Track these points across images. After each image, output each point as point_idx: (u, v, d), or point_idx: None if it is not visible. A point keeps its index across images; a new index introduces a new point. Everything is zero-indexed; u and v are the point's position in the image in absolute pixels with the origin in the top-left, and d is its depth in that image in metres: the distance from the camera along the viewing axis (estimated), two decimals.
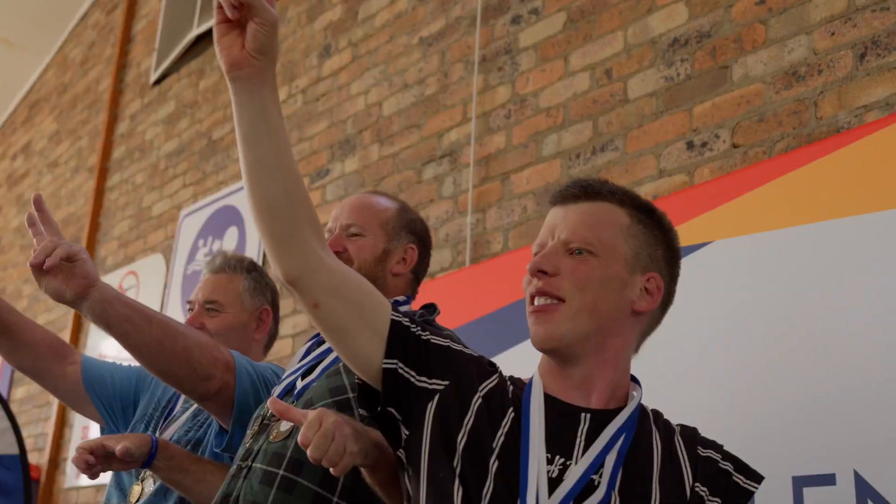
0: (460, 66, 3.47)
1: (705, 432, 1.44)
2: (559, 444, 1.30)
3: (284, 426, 1.72)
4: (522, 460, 1.28)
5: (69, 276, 1.74)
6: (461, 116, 3.39)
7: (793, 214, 2.16)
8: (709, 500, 1.32)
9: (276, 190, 1.29)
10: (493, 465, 1.28)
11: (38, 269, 1.72)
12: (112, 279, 5.19)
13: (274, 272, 1.34)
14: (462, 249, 3.21)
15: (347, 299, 1.33)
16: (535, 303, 1.37)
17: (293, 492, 1.63)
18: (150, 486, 2.07)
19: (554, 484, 1.27)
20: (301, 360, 1.90)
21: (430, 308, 1.90)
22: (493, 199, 3.16)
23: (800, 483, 1.91)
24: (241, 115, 1.29)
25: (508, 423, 1.32)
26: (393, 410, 1.35)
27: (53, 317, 5.85)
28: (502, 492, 1.26)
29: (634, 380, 1.42)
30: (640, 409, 1.39)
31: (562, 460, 1.29)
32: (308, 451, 1.31)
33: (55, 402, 5.47)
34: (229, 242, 4.42)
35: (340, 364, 1.77)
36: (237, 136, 1.30)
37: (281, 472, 1.65)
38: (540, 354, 1.41)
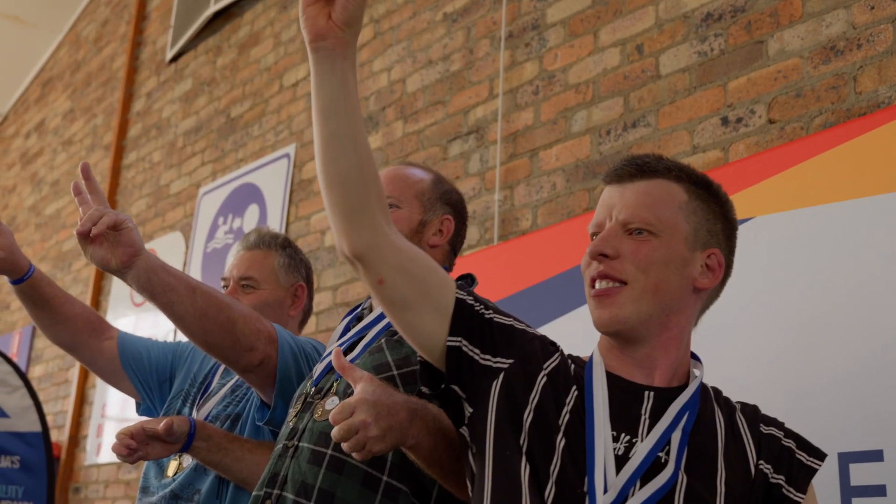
0: (486, 43, 3.43)
1: None
2: (624, 422, 1.30)
3: (329, 404, 1.71)
4: (588, 438, 1.27)
5: (115, 245, 1.73)
6: (487, 93, 3.37)
7: (832, 191, 2.14)
8: (773, 477, 1.31)
9: (350, 164, 1.28)
10: (560, 442, 1.28)
11: (84, 238, 1.71)
12: None
13: (339, 246, 1.32)
14: (490, 227, 3.19)
15: (413, 276, 1.32)
16: (597, 286, 1.35)
17: (342, 471, 1.62)
18: (187, 460, 2.06)
19: (620, 461, 1.26)
20: (341, 337, 1.89)
21: (468, 279, 1.88)
22: (521, 175, 3.14)
23: (846, 459, 1.90)
24: (321, 87, 1.28)
25: (572, 401, 1.31)
26: (456, 388, 1.35)
27: None
28: (570, 469, 1.25)
29: (695, 357, 1.41)
30: (702, 386, 1.38)
31: (627, 437, 1.28)
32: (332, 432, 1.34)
33: (74, 380, 5.49)
34: (250, 220, 4.41)
35: (383, 340, 1.75)
36: (313, 108, 1.29)
37: (329, 451, 1.63)
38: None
